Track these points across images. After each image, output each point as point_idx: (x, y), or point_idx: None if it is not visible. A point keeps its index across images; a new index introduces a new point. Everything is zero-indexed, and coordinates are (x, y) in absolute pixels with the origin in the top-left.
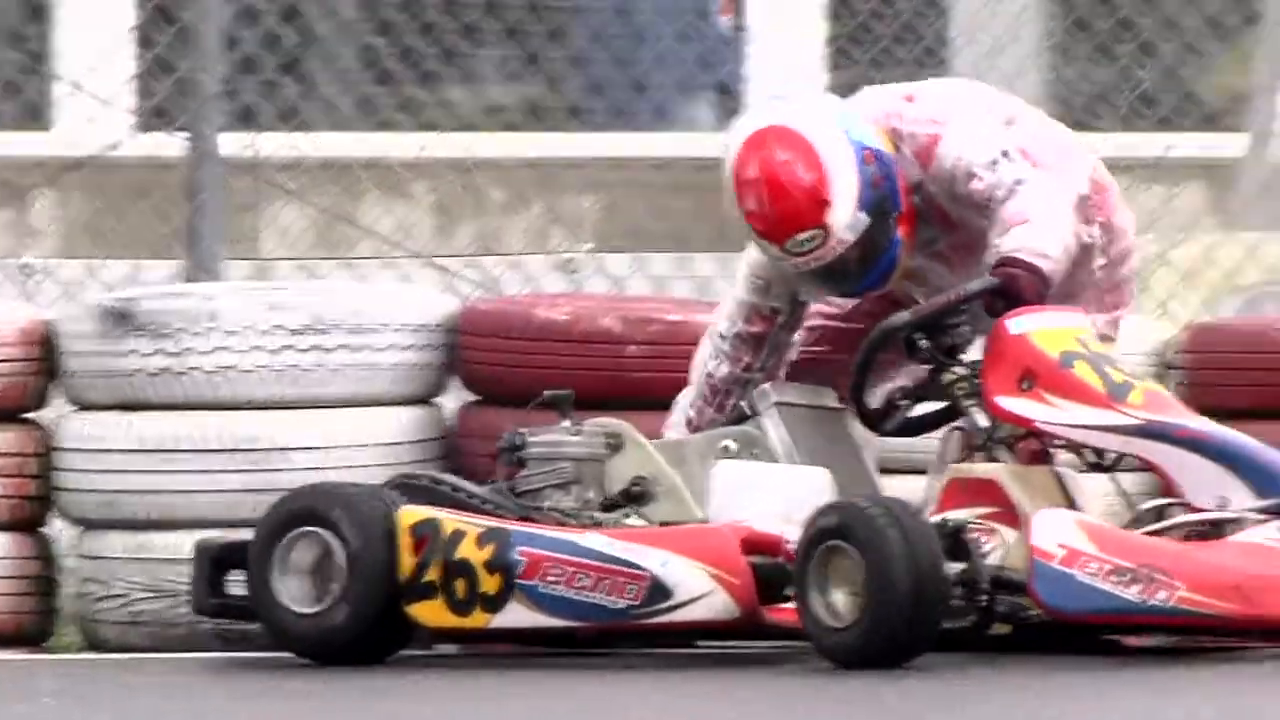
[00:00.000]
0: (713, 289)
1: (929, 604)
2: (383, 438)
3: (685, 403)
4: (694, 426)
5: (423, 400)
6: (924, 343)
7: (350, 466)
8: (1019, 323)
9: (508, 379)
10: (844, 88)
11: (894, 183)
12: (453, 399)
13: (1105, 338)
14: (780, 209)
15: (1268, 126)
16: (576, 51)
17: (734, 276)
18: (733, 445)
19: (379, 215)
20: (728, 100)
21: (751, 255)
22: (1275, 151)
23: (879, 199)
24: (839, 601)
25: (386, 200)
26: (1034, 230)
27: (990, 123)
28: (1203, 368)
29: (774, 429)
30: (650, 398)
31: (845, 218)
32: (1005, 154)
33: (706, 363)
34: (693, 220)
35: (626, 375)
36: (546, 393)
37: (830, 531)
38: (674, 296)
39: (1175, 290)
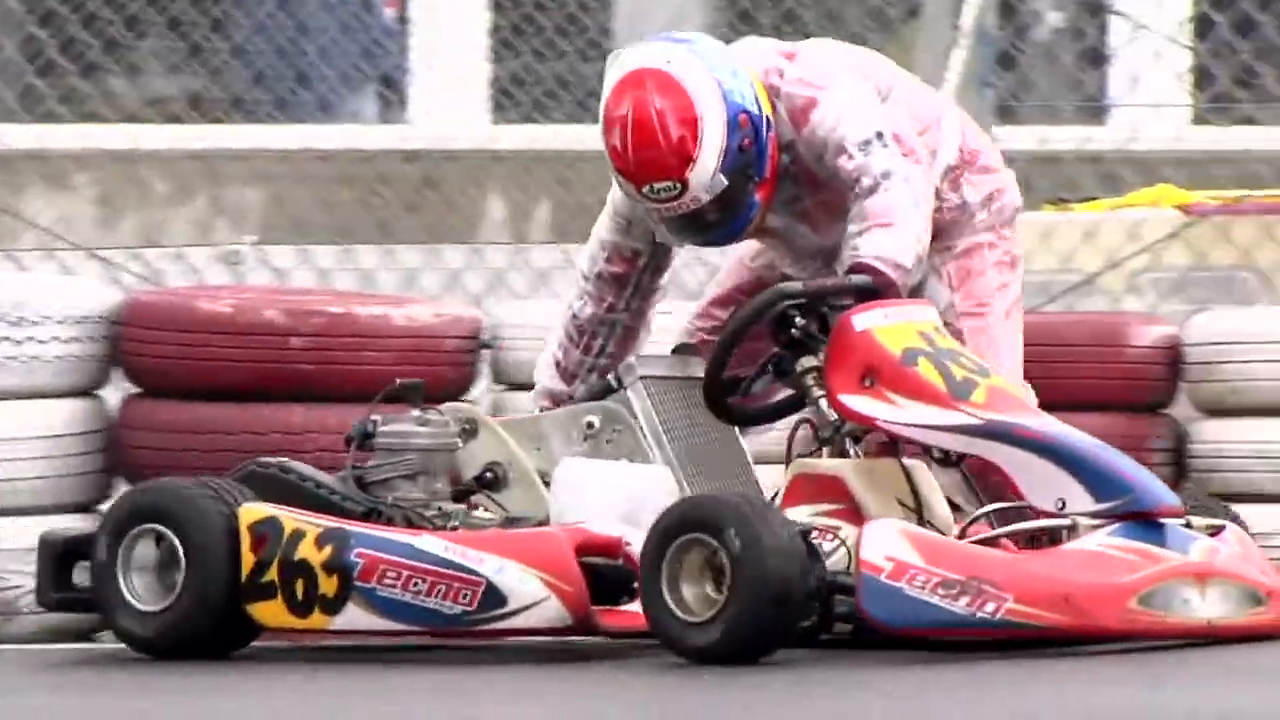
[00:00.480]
0: (377, 281)
1: (795, 599)
2: (45, 430)
3: (553, 344)
4: (561, 368)
5: (86, 393)
6: (800, 320)
7: (12, 459)
8: (863, 318)
9: (171, 371)
10: (509, 78)
11: (763, 148)
12: (116, 391)
13: (1004, 255)
14: (643, 155)
15: None
16: (239, 43)
17: (400, 268)
18: (596, 421)
19: (41, 207)
20: (392, 92)
21: (615, 194)
22: None
23: (744, 164)
24: (691, 596)
25: (49, 192)
26: (895, 237)
27: (868, 95)
28: None
29: (639, 403)
30: (313, 389)
31: (705, 178)
32: (879, 136)
33: (571, 303)
34: (357, 212)
35: (289, 367)
36: (398, 381)
37: (692, 524)
38: (337, 289)
39: None
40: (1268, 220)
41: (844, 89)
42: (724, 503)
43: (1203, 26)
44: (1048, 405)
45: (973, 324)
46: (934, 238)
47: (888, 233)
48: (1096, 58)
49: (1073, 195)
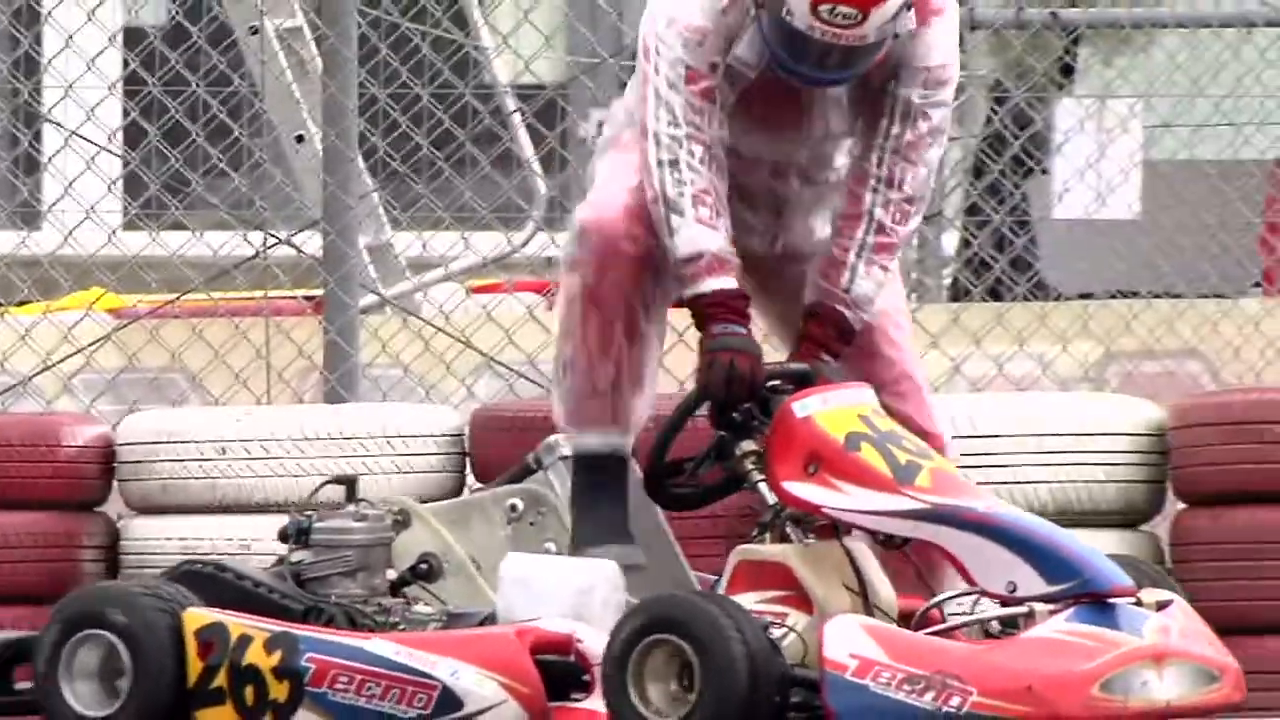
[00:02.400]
0: None
1: (764, 697)
2: None
3: (685, 213)
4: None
5: None
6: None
7: None
8: (804, 405)
9: None
10: None
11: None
12: None
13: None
14: None
15: None
16: None
17: None
18: (519, 504)
19: None
20: None
21: (686, 16)
22: None
23: (898, 22)
24: (658, 696)
25: None
26: (885, 279)
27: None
28: None
29: (561, 485)
30: None
31: (881, 20)
32: (937, 145)
33: (682, 161)
34: None
35: None
36: (333, 476)
37: (659, 624)
38: None
39: None
40: (197, 323)
41: (955, 25)
42: (689, 602)
43: (134, 135)
44: None
45: (896, 326)
46: None
47: (884, 275)
48: (31, 164)
49: (8, 299)
